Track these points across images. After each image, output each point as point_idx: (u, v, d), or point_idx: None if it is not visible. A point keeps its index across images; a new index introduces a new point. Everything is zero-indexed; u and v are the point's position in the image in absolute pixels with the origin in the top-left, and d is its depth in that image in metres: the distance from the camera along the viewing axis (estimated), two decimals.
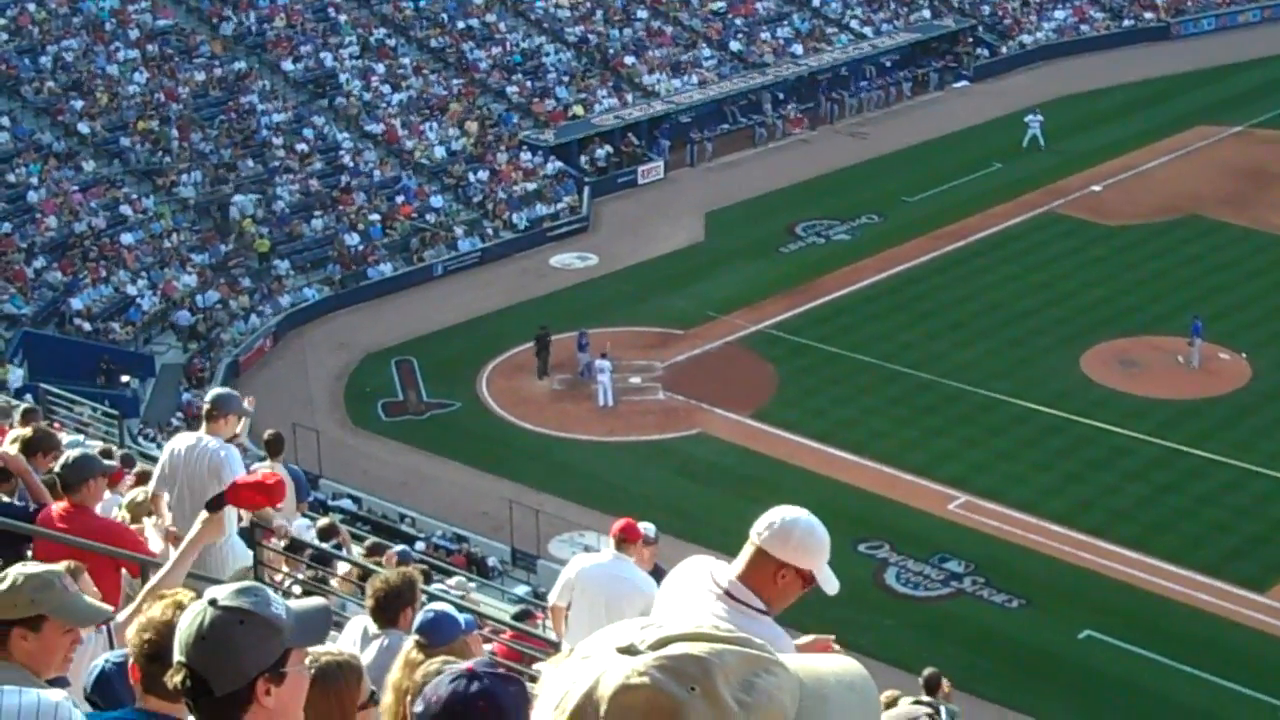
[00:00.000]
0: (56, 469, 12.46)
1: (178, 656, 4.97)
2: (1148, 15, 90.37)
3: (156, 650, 6.04)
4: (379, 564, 18.67)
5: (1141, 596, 42.80)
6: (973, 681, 36.40)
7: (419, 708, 4.76)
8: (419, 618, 9.42)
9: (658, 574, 15.13)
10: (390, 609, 10.41)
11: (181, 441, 14.26)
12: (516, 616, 22.00)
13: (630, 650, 2.67)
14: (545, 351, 55.72)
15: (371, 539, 23.17)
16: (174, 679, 4.99)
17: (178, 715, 5.80)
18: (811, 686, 2.80)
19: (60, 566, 7.38)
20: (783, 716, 2.71)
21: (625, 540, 14.97)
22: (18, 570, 6.78)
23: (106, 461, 14.88)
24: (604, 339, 56.08)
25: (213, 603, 4.97)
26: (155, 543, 13.75)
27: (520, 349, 57.01)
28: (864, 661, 3.00)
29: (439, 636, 9.15)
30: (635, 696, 2.60)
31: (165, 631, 5.99)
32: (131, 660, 6.22)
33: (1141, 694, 38.91)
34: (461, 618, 9.64)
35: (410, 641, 9.32)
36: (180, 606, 6.08)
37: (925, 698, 15.86)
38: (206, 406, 14.33)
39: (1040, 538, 45.45)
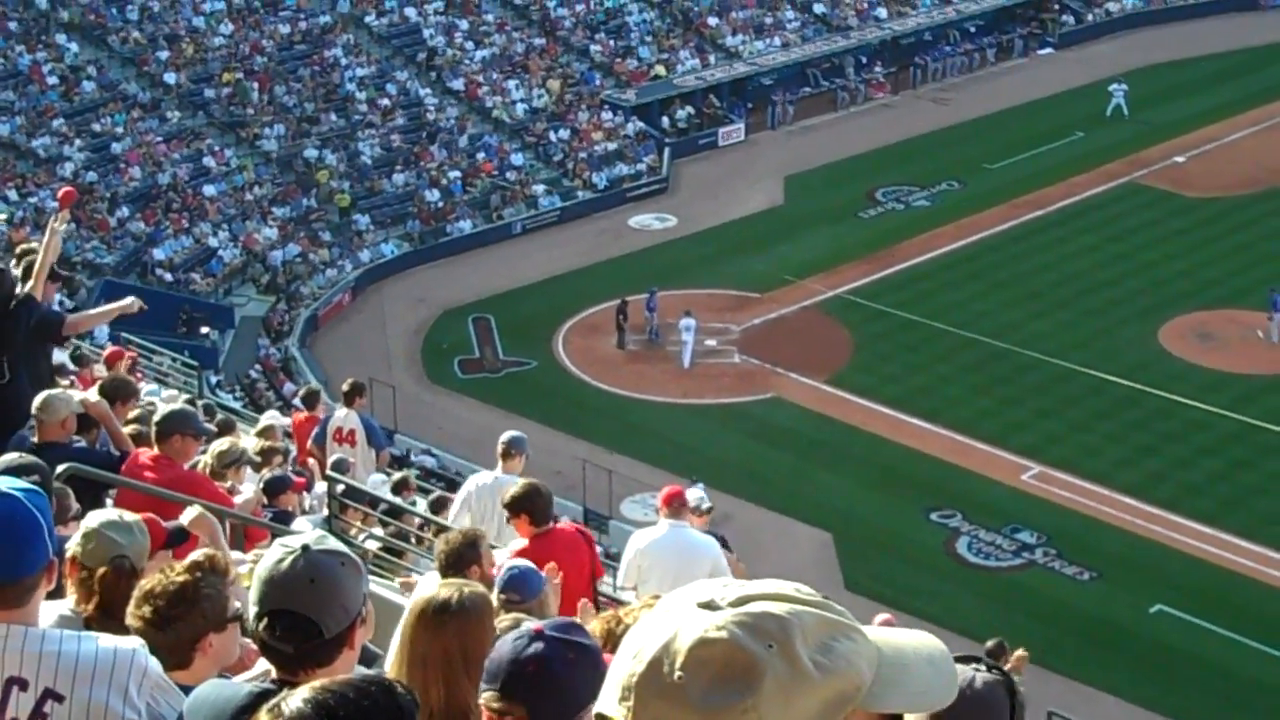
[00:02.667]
0: (156, 418, 12.68)
1: (277, 605, 5.07)
2: None
3: (165, 618, 6.12)
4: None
5: (1214, 572, 42.51)
6: (1042, 653, 36.23)
7: (487, 664, 4.85)
8: (502, 575, 9.50)
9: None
10: (456, 567, 10.51)
11: (482, 479, 16.53)
12: None
13: (711, 606, 2.71)
14: (626, 320, 55.64)
15: (437, 493, 23.27)
16: (277, 627, 5.08)
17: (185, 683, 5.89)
18: (891, 656, 2.85)
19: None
20: (859, 681, 2.75)
21: (680, 506, 15.04)
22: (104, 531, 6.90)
23: (205, 424, 15.10)
24: (680, 301, 56.04)
25: (305, 549, 5.08)
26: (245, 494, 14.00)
27: (597, 309, 57.05)
28: (933, 630, 3.05)
29: (526, 591, 9.25)
30: (712, 650, 2.64)
31: (174, 598, 6.08)
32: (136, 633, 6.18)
33: (1212, 670, 38.68)
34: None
35: (495, 599, 9.41)
36: (188, 571, 6.18)
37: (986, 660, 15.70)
38: (501, 447, 16.44)
39: (1113, 510, 45.19)
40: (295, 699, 3.46)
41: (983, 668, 5.11)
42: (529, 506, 12.78)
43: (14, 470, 7.79)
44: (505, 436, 16.81)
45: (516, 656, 4.82)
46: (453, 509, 17.28)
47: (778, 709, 2.65)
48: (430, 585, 6.08)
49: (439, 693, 5.90)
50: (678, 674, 2.64)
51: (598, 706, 2.75)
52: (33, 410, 12.26)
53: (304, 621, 5.03)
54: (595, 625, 8.55)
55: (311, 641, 5.05)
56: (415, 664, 5.94)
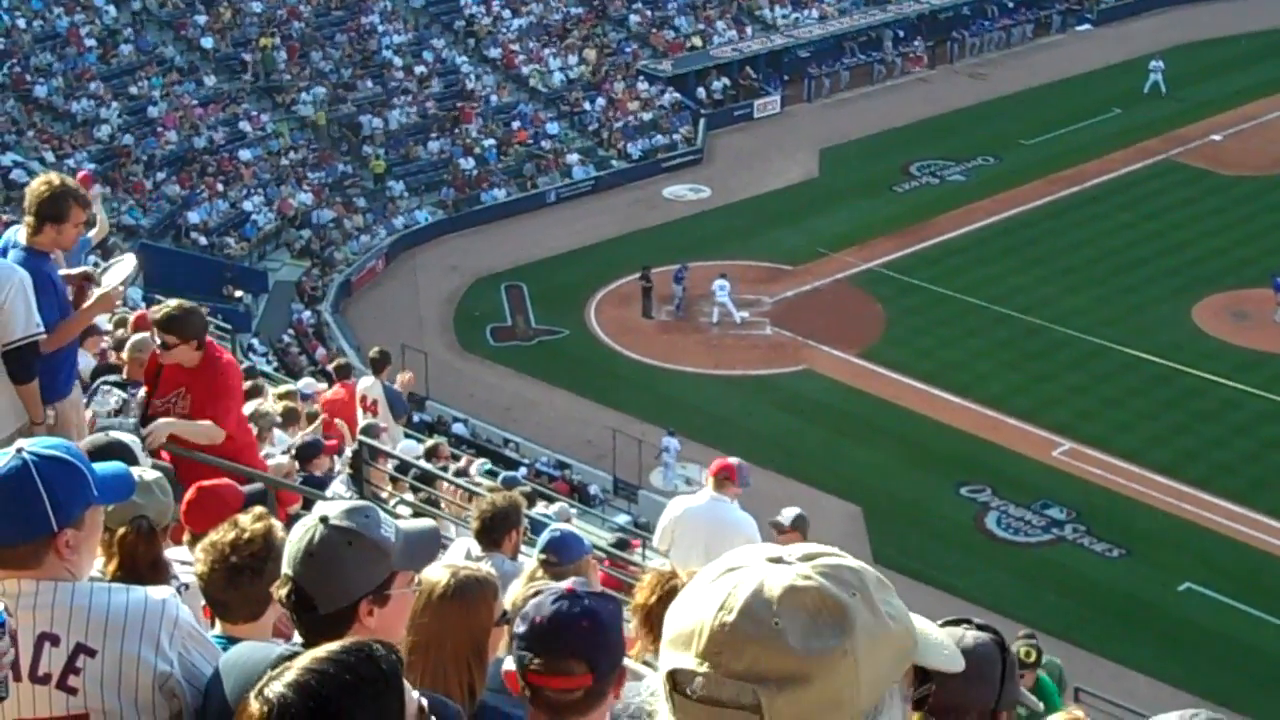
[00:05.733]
0: None
1: (285, 569, 5.07)
2: None
3: (237, 570, 6.08)
4: (494, 487, 18.82)
5: (1244, 551, 42.38)
6: (1070, 629, 36.33)
7: (521, 628, 4.79)
8: (545, 537, 9.50)
9: None
10: (495, 532, 10.52)
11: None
12: (615, 545, 22.20)
13: (780, 561, 2.79)
14: (651, 286, 55.57)
15: (466, 459, 23.29)
16: (280, 591, 5.08)
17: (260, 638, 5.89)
18: (915, 621, 2.93)
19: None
20: (915, 636, 2.86)
21: (727, 480, 15.02)
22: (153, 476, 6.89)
23: None
24: (713, 270, 55.98)
25: (323, 520, 5.03)
26: (275, 459, 14.09)
27: (629, 279, 56.97)
28: (963, 606, 3.07)
29: (567, 555, 9.23)
30: (804, 597, 2.71)
31: (247, 549, 6.06)
32: (203, 585, 6.17)
33: (1240, 648, 38.56)
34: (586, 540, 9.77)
35: (534, 561, 9.43)
36: (237, 525, 6.15)
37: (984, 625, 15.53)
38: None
39: (1144, 488, 45.06)
40: (277, 684, 3.43)
41: (973, 627, 5.38)
42: (201, 322, 11.70)
43: (104, 450, 7.62)
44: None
45: (566, 617, 4.76)
46: (657, 536, 16.29)
47: (867, 654, 2.72)
48: (434, 569, 6.03)
49: (446, 677, 5.89)
50: (774, 620, 2.69)
51: (666, 664, 2.76)
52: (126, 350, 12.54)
53: (302, 593, 5.01)
54: (650, 578, 8.58)
55: (308, 614, 5.02)
56: (417, 649, 5.91)
